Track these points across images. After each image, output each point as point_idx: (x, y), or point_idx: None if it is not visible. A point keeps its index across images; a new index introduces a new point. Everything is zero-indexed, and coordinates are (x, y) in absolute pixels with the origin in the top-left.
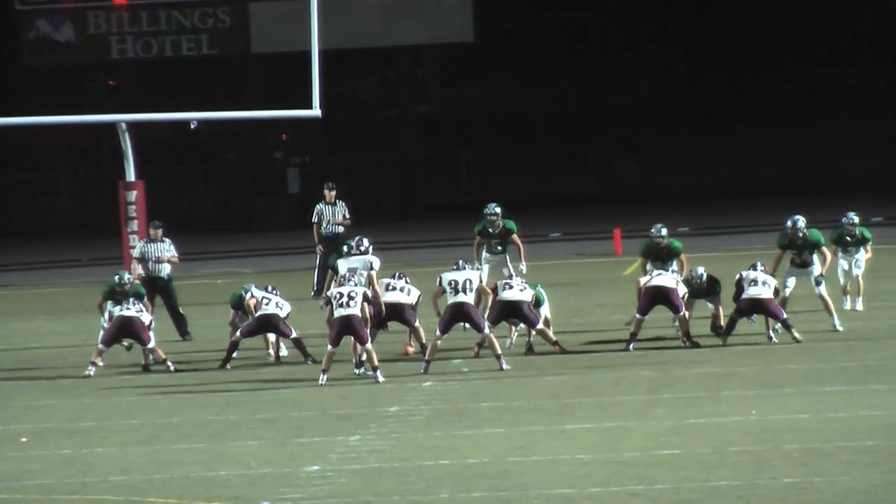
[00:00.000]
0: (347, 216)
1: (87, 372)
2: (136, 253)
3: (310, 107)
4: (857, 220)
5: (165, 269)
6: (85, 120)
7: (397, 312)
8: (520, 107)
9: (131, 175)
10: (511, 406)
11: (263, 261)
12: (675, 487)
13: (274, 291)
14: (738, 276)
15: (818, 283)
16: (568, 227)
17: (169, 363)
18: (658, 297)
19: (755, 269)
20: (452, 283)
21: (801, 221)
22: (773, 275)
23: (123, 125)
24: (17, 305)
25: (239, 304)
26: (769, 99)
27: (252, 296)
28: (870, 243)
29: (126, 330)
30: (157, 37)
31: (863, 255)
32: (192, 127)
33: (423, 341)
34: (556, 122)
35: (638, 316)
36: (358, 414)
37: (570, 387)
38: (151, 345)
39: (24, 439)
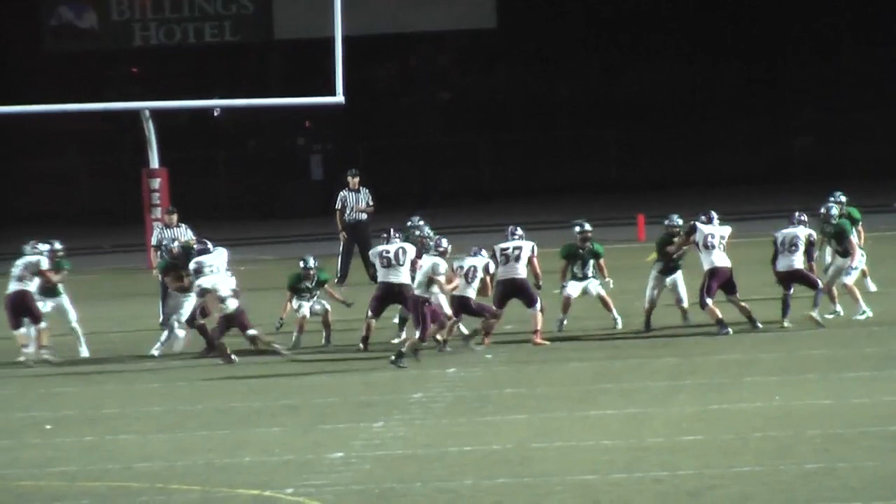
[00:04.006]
0: (371, 203)
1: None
2: (153, 241)
3: (333, 93)
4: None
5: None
6: (108, 107)
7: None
8: (540, 93)
9: (155, 162)
10: (534, 393)
11: (286, 248)
12: (698, 473)
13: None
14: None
15: (846, 273)
16: (590, 213)
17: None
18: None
19: (793, 225)
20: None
21: (835, 208)
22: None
23: (147, 112)
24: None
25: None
26: (783, 87)
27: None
28: (860, 223)
29: None
30: (180, 23)
31: (851, 259)
32: (216, 114)
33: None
34: (577, 109)
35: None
36: (381, 401)
37: (592, 373)
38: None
39: (47, 426)
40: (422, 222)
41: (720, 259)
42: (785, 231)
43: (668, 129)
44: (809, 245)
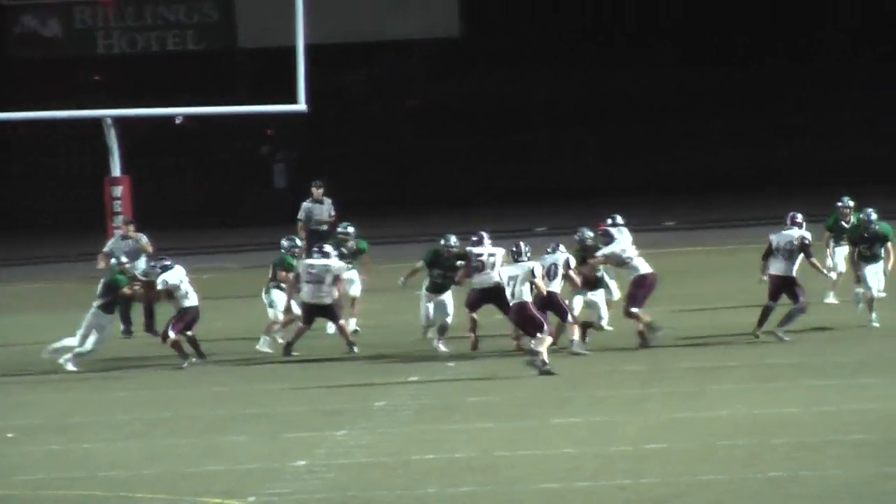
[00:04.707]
0: (333, 214)
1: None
2: (106, 248)
3: (295, 101)
4: (851, 204)
5: (140, 265)
6: (71, 115)
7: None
8: (507, 99)
9: (117, 170)
10: (498, 401)
11: (250, 256)
12: (663, 481)
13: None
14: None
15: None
16: (556, 221)
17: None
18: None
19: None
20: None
21: (873, 213)
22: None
23: (109, 120)
24: (4, 301)
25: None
26: (760, 89)
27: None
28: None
29: None
30: (143, 32)
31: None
32: (178, 122)
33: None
34: (545, 115)
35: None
36: (345, 409)
37: (559, 381)
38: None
39: (9, 434)
40: (454, 239)
41: (645, 267)
42: (782, 233)
43: (643, 131)
44: (803, 247)
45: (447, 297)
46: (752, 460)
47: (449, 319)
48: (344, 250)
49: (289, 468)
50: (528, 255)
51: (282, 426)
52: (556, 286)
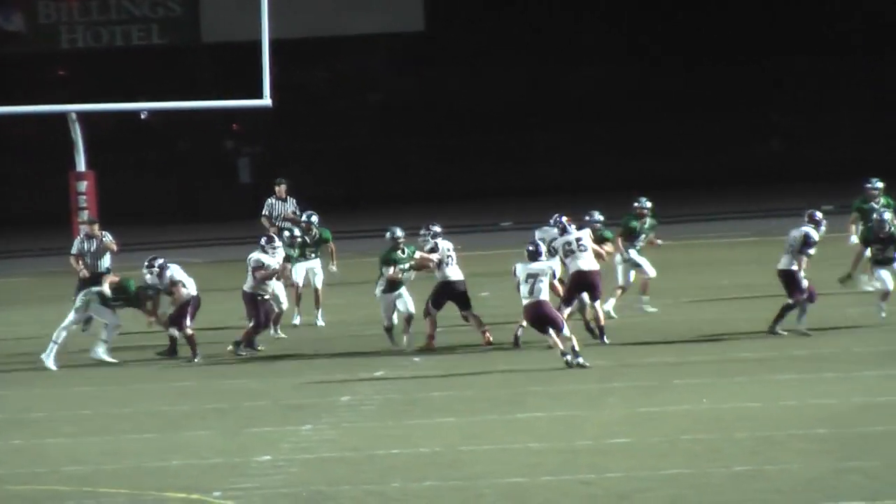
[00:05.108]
0: (297, 212)
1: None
2: (74, 249)
3: (260, 96)
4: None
5: (105, 263)
6: (35, 110)
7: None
8: (470, 96)
9: (81, 165)
10: (462, 396)
11: (214, 250)
12: (627, 476)
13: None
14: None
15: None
16: (519, 217)
17: None
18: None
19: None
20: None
21: (887, 213)
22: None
23: (73, 115)
24: None
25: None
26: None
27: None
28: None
29: None
30: (108, 26)
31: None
32: (144, 117)
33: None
34: (507, 111)
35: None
36: (310, 404)
37: (521, 376)
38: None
39: None
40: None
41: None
42: (795, 229)
43: (609, 129)
44: (804, 245)
45: (404, 291)
46: (716, 454)
47: (412, 310)
48: (307, 239)
49: (253, 463)
50: (547, 253)
51: (245, 421)
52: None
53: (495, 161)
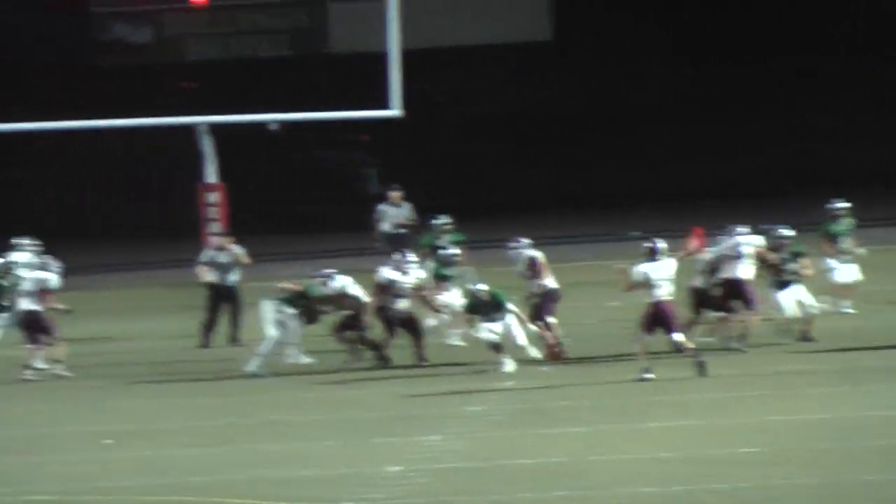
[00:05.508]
0: (411, 217)
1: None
2: (203, 258)
3: (389, 107)
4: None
5: (234, 277)
6: (164, 122)
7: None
8: (598, 103)
9: (211, 177)
10: (591, 405)
11: (344, 262)
12: (759, 485)
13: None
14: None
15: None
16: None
17: None
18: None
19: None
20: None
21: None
22: None
23: (203, 127)
24: (94, 307)
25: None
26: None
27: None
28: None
29: None
30: (236, 38)
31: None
32: (273, 129)
33: None
34: (636, 115)
35: None
36: (437, 414)
37: (648, 385)
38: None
39: (107, 441)
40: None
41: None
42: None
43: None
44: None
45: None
46: (848, 463)
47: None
48: (444, 242)
49: (381, 473)
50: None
51: (373, 431)
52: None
53: (623, 166)
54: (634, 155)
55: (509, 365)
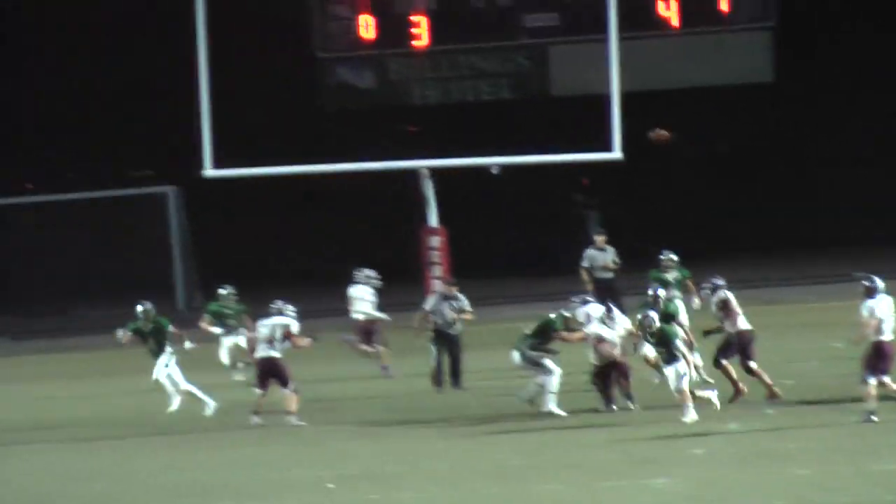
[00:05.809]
0: (616, 261)
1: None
2: (428, 306)
3: (610, 149)
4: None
5: (457, 326)
6: (387, 166)
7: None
8: (816, 143)
9: (433, 220)
10: (816, 447)
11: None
12: None
13: None
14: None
15: None
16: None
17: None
18: None
19: None
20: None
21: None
22: None
23: (425, 171)
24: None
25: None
26: None
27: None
28: None
29: None
30: (458, 82)
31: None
32: (495, 171)
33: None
34: (857, 157)
35: None
36: (661, 456)
37: (871, 427)
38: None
39: (329, 485)
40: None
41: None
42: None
43: None
44: None
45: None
46: None
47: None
48: (668, 278)
49: None
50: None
51: (597, 475)
52: None
53: (851, 206)
54: (854, 198)
55: (689, 415)
